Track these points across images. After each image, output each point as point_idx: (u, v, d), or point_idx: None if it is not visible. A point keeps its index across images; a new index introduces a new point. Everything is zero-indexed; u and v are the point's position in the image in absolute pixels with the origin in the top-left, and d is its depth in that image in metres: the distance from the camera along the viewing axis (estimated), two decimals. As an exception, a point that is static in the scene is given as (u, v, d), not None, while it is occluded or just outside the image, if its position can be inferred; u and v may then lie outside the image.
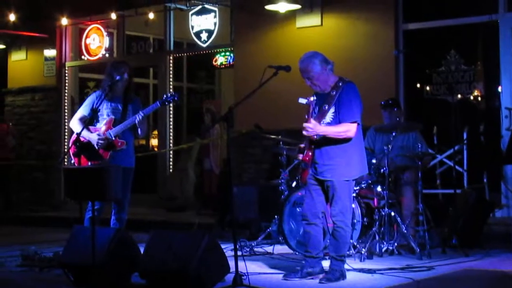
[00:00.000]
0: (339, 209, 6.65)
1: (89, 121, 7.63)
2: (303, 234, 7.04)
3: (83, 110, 7.75)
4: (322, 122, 6.61)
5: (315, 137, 6.60)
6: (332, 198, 6.66)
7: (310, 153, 6.67)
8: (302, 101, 6.65)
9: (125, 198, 7.49)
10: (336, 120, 6.59)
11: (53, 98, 14.20)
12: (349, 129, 6.55)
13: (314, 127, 6.52)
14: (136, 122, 7.51)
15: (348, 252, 7.88)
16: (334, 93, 6.59)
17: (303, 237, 7.04)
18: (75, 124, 7.65)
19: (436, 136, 9.92)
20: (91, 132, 7.58)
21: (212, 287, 6.23)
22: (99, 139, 7.50)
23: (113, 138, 7.55)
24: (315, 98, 6.69)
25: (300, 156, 6.75)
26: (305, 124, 6.55)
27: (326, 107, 6.60)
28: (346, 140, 6.59)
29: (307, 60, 6.67)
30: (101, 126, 7.60)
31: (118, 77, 7.56)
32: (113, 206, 7.61)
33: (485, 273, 7.06)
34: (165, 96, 7.75)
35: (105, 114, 7.62)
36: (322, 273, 6.76)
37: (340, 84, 6.62)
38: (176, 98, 7.74)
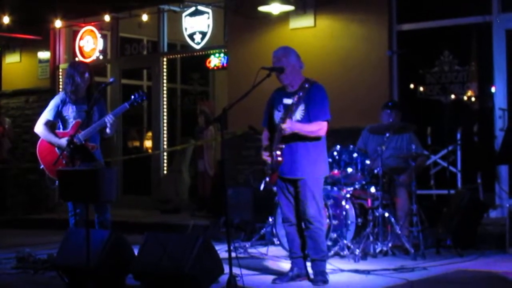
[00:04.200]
0: (316, 209, 6.63)
1: (54, 125, 7.49)
2: (286, 236, 6.96)
3: (47, 114, 7.55)
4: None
5: (285, 133, 6.53)
6: (306, 197, 6.62)
7: (279, 152, 6.60)
8: (288, 101, 6.63)
9: None
10: (307, 118, 6.58)
11: (47, 100, 13.79)
12: (322, 127, 6.59)
13: (291, 125, 6.50)
14: (107, 124, 7.34)
15: (342, 253, 7.92)
16: (301, 94, 6.55)
17: (287, 239, 6.97)
18: (40, 130, 7.50)
19: (429, 137, 9.92)
20: (60, 138, 7.41)
21: (207, 289, 6.25)
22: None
23: (83, 142, 7.34)
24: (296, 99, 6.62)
25: (269, 158, 6.67)
26: (284, 125, 6.49)
27: (294, 107, 6.53)
28: (317, 138, 6.61)
29: (283, 50, 6.75)
30: (68, 130, 7.40)
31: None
32: (95, 208, 7.41)
33: (479, 274, 7.07)
34: (133, 96, 7.52)
35: (71, 117, 7.46)
36: (308, 274, 6.76)
37: (306, 85, 6.59)
38: (144, 98, 7.57)
